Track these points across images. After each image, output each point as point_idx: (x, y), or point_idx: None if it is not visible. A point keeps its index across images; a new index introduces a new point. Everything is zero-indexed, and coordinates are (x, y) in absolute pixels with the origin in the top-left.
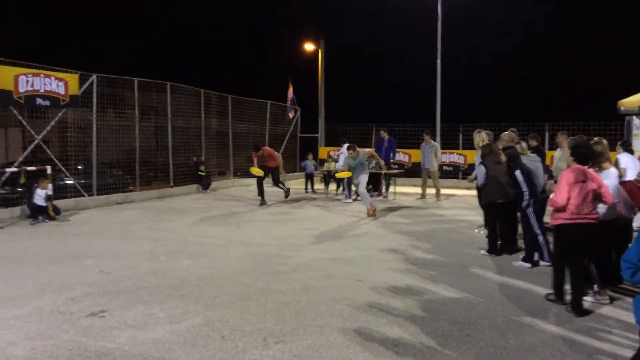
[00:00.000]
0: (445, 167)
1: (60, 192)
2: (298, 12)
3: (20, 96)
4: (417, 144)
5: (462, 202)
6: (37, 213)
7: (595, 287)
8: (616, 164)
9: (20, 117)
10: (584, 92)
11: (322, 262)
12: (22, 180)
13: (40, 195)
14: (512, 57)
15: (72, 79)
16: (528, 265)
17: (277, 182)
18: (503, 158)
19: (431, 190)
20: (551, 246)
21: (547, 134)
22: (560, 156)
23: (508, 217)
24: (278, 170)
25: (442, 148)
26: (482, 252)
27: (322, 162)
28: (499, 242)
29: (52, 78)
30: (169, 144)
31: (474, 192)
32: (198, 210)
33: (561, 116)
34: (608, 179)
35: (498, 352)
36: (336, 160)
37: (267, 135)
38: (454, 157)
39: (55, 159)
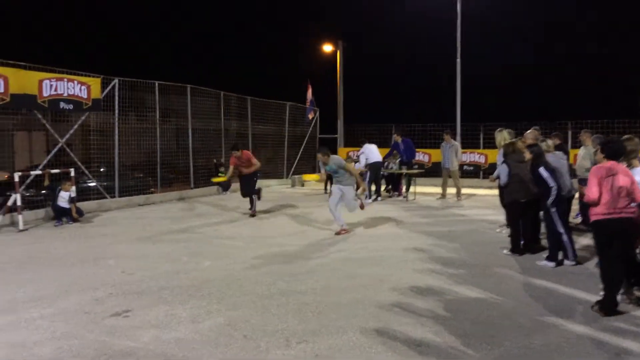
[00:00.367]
0: (466, 167)
1: (83, 194)
2: (316, 13)
3: (44, 100)
4: (437, 144)
5: (483, 202)
6: (61, 215)
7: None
8: None
9: (44, 121)
10: (607, 90)
11: (343, 262)
12: (47, 183)
13: (63, 198)
14: (533, 56)
15: (95, 82)
16: (552, 264)
17: (250, 192)
18: (528, 156)
19: (452, 190)
20: (576, 245)
21: (569, 132)
22: (584, 154)
23: (531, 216)
24: (254, 179)
25: (463, 147)
26: (505, 251)
27: None
28: (522, 241)
29: (75, 82)
30: (189, 146)
31: (495, 192)
32: (218, 211)
33: (584, 114)
34: (637, 176)
35: (523, 352)
36: (356, 161)
37: (287, 137)
38: (475, 156)
39: (78, 162)
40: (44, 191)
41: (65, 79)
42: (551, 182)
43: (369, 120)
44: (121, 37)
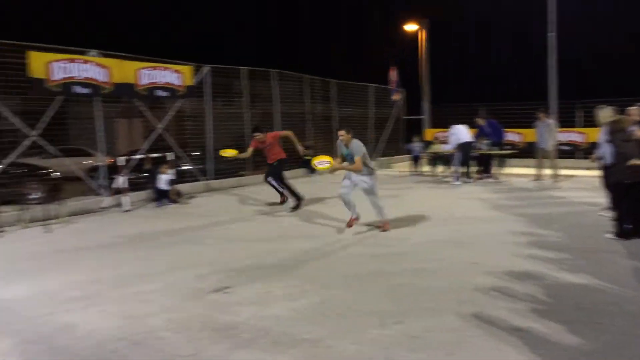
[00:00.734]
0: (562, 147)
1: (179, 177)
2: None
3: (142, 88)
4: (528, 123)
5: (582, 183)
6: (161, 196)
7: None
8: None
9: (143, 109)
10: None
11: (435, 244)
12: (148, 166)
13: (163, 180)
14: (630, 27)
15: (187, 70)
16: None
17: (280, 179)
18: (639, 134)
19: (547, 171)
20: None
21: None
22: None
23: (637, 198)
24: (281, 165)
25: (559, 127)
26: (608, 235)
27: (427, 143)
28: (629, 225)
29: (170, 70)
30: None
31: (595, 173)
32: (308, 192)
33: None
34: None
35: (631, 340)
36: (444, 142)
37: (372, 119)
38: (573, 135)
39: (174, 146)
40: (143, 174)
41: (161, 68)
42: None
43: (455, 100)
44: (207, 25)
